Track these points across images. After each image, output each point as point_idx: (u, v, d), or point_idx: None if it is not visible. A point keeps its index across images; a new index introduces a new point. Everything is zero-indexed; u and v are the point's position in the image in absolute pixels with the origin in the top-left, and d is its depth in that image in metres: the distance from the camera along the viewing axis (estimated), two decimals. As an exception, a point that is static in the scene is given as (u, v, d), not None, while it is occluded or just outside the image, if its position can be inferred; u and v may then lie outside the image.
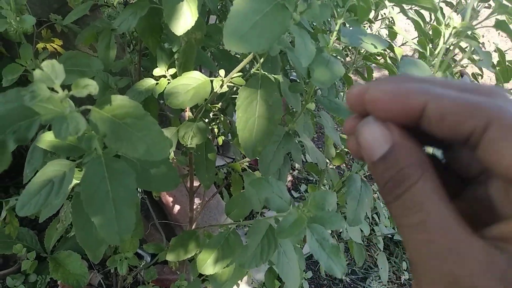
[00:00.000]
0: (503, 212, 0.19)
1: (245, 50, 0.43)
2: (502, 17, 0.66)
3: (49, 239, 1.13)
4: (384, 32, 1.30)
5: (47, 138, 0.57)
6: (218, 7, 0.82)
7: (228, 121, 0.81)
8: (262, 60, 0.57)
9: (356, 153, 0.22)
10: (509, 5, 0.59)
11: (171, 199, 1.22)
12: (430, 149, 0.23)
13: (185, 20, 0.51)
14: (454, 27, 0.55)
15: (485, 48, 0.83)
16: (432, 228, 0.18)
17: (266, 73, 0.55)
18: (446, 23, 0.56)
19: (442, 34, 0.61)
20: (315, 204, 0.48)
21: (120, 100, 0.45)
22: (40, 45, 0.99)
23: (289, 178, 1.86)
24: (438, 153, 0.24)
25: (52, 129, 0.41)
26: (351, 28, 0.64)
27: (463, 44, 0.69)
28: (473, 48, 0.59)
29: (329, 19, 0.80)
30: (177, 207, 1.21)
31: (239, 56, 0.87)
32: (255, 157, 0.51)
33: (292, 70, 1.27)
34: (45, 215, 0.66)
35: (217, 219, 1.24)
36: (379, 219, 1.62)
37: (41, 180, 0.52)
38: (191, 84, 0.58)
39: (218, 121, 0.87)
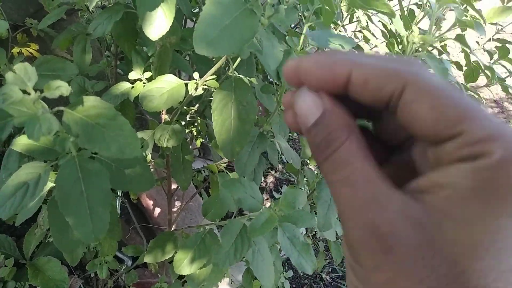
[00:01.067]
0: (421, 170, 0.21)
1: (214, 54, 0.45)
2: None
3: (28, 245, 1.12)
4: (360, 35, 1.33)
5: (22, 142, 0.57)
6: (195, 11, 0.83)
7: (205, 124, 0.82)
8: (236, 63, 0.59)
9: (293, 125, 0.24)
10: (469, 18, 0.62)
11: (151, 202, 1.22)
12: (361, 121, 0.25)
13: (159, 25, 0.52)
14: (413, 42, 0.57)
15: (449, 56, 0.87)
16: (356, 182, 0.19)
17: (239, 75, 0.56)
18: (409, 33, 0.59)
19: (409, 43, 0.63)
20: (287, 203, 0.50)
21: (92, 101, 0.46)
22: (16, 50, 0.98)
23: (271, 179, 1.88)
24: (368, 124, 0.26)
25: (25, 130, 0.41)
26: (317, 30, 0.66)
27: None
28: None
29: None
30: (157, 210, 1.21)
31: (215, 59, 0.89)
32: (233, 158, 0.53)
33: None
34: (21, 219, 0.66)
35: (198, 221, 1.25)
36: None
37: (16, 183, 0.52)
38: (165, 87, 0.59)
39: (195, 124, 0.89)
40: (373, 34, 0.87)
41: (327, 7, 0.54)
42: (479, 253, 0.17)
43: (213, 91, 0.64)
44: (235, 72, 0.57)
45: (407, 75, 0.19)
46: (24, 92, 0.43)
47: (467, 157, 0.17)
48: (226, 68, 0.85)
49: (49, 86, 0.43)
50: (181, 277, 0.87)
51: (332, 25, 0.87)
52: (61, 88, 0.43)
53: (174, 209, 1.20)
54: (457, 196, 0.17)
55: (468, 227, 0.17)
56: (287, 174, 1.89)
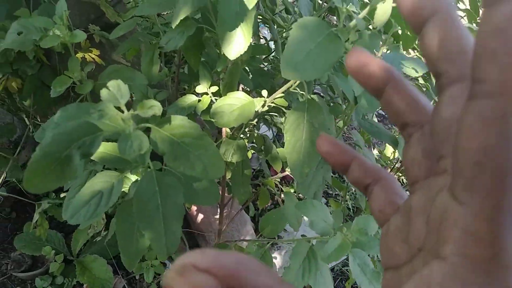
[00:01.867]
0: None
1: (300, 78, 0.45)
2: None
3: (76, 243, 1.16)
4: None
5: (97, 150, 0.59)
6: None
7: (263, 137, 0.83)
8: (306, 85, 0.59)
9: None
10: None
11: (195, 208, 1.23)
12: None
13: (238, 45, 0.52)
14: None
15: None
16: None
17: (312, 97, 0.56)
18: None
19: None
20: (359, 230, 0.49)
21: (179, 120, 0.47)
22: (79, 55, 1.02)
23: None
24: None
25: (117, 146, 0.43)
26: (391, 53, 0.65)
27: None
28: None
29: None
30: (200, 217, 1.22)
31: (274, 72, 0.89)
32: (302, 179, 0.53)
33: (316, 85, 1.28)
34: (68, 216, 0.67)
35: (239, 230, 1.25)
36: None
37: (91, 191, 0.54)
38: (236, 104, 0.60)
39: (248, 135, 0.89)
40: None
41: (408, 32, 0.53)
42: None
43: (271, 106, 0.65)
44: (307, 93, 0.57)
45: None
46: (117, 108, 0.45)
47: None
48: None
49: (143, 105, 0.44)
50: None
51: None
52: (154, 107, 0.44)
53: (216, 216, 1.21)
54: None
55: None
56: (326, 186, 1.87)
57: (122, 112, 0.44)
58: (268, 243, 0.65)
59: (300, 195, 1.37)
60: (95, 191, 0.54)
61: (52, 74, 1.07)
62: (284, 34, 0.79)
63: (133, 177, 0.61)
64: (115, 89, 0.44)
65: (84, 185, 0.56)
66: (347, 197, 1.08)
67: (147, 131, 0.47)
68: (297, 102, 0.56)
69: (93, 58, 1.06)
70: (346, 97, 0.60)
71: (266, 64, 0.91)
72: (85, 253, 1.15)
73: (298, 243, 0.53)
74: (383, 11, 0.47)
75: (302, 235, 0.69)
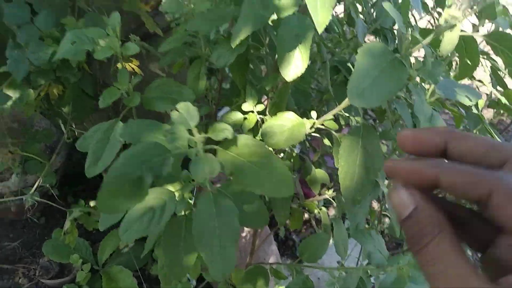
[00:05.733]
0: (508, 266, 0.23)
1: (365, 105, 0.44)
2: None
3: (102, 252, 1.16)
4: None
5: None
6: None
7: (301, 157, 0.82)
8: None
9: None
10: None
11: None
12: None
13: (296, 66, 0.52)
14: None
15: None
16: (449, 278, 0.21)
17: (366, 122, 0.55)
18: None
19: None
20: (413, 263, 0.47)
21: (244, 139, 0.47)
22: (119, 65, 1.04)
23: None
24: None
25: (190, 169, 0.42)
26: (444, 80, 0.64)
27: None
28: None
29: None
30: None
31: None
32: (354, 206, 0.51)
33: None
34: (105, 226, 0.66)
35: (265, 249, 1.23)
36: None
37: (143, 207, 0.53)
38: (286, 125, 0.59)
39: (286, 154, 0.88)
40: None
41: (467, 61, 0.52)
42: None
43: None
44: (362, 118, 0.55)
45: (492, 182, 0.22)
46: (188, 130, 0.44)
47: None
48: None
49: (214, 128, 0.44)
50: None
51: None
52: (226, 131, 0.44)
53: (243, 234, 1.20)
54: None
55: None
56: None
57: (192, 134, 0.44)
58: (308, 271, 0.63)
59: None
60: (148, 208, 0.53)
61: (92, 83, 1.08)
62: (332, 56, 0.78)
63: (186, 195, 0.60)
64: (185, 111, 0.44)
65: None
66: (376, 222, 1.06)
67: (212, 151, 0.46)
68: (353, 128, 0.54)
69: (132, 68, 1.08)
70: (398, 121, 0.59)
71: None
72: (111, 264, 1.14)
73: (349, 273, 0.51)
74: (450, 39, 0.45)
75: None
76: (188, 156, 0.43)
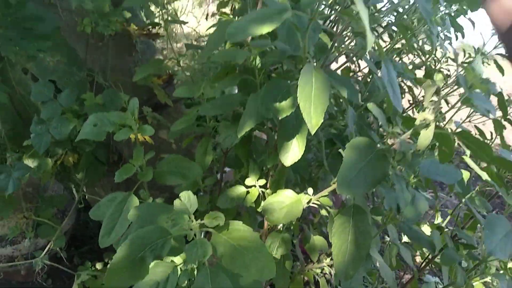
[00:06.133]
0: None
1: (352, 194, 0.51)
2: None
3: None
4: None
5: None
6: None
7: (300, 225, 0.87)
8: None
9: None
10: None
11: None
12: None
13: (294, 153, 0.59)
14: None
15: None
16: None
17: (357, 203, 0.61)
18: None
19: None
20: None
21: (235, 225, 0.53)
22: (133, 136, 1.12)
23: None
24: None
25: (185, 252, 0.48)
26: (427, 161, 0.71)
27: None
28: None
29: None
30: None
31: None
32: (347, 280, 0.56)
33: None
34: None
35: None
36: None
37: (149, 280, 0.58)
38: (285, 202, 0.66)
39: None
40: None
41: (444, 149, 0.59)
42: None
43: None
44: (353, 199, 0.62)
45: None
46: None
47: None
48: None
49: (209, 216, 0.51)
50: None
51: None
52: (219, 218, 0.51)
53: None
54: None
55: None
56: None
57: (191, 220, 0.51)
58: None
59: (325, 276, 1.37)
60: (153, 281, 0.58)
61: (105, 151, 1.16)
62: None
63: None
64: (186, 200, 0.51)
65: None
66: None
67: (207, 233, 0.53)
68: (345, 208, 0.61)
69: (144, 138, 1.16)
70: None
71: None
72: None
73: None
74: (426, 136, 0.53)
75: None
76: (187, 238, 0.49)
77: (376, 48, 0.60)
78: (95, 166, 1.11)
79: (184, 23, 1.00)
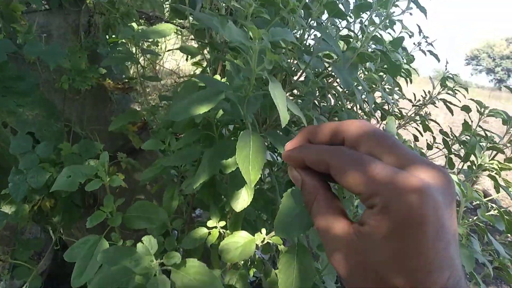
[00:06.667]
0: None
1: (289, 236, 0.60)
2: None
3: None
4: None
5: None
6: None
7: (261, 261, 0.95)
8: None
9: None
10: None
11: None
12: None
13: (243, 200, 0.68)
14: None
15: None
16: (323, 226, 0.33)
17: (301, 242, 0.70)
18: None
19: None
20: None
21: (191, 262, 0.62)
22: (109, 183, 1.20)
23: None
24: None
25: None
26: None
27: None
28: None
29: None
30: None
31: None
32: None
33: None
34: None
35: None
36: None
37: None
38: (239, 242, 0.74)
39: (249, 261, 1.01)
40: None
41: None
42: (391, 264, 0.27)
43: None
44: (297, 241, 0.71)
45: (327, 156, 0.33)
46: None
47: (370, 206, 0.29)
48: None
49: (168, 256, 0.59)
50: None
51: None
52: (175, 257, 0.59)
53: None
54: (370, 229, 0.29)
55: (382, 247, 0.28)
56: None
57: (152, 261, 0.59)
58: None
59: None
60: None
61: (80, 195, 1.23)
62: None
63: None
64: (147, 243, 0.59)
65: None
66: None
67: (167, 270, 0.61)
68: (289, 248, 0.69)
69: (118, 182, 1.24)
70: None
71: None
72: None
73: None
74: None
75: None
76: (149, 275, 0.57)
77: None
78: (71, 209, 1.18)
79: (158, 80, 1.10)
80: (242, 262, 0.87)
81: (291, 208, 0.63)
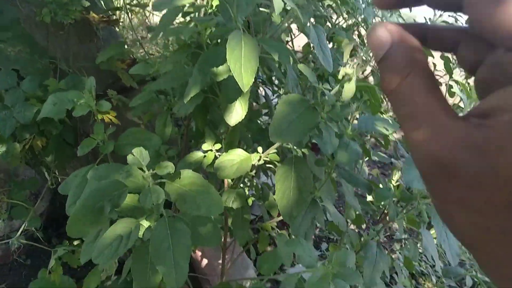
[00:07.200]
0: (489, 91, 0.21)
1: (284, 142, 0.58)
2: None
3: (87, 287, 1.23)
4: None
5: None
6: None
7: (259, 186, 0.95)
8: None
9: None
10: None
11: (199, 253, 1.32)
12: None
13: (237, 114, 0.66)
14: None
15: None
16: (418, 116, 0.20)
17: (303, 151, 0.69)
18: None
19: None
20: (338, 262, 0.60)
21: (186, 173, 0.60)
22: (99, 116, 1.17)
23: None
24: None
25: (139, 198, 0.55)
26: (365, 115, 0.79)
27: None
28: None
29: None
30: (205, 261, 1.31)
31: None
32: (292, 221, 0.64)
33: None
34: (86, 259, 0.76)
35: (242, 273, 1.33)
36: (397, 277, 1.68)
37: (113, 235, 0.64)
38: (235, 159, 0.73)
39: (249, 184, 1.01)
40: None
41: (373, 101, 0.67)
42: None
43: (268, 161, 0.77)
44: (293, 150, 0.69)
45: None
46: (140, 169, 0.57)
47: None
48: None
49: (160, 166, 0.57)
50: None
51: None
52: (168, 167, 0.57)
53: (220, 261, 1.30)
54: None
55: None
56: (328, 231, 1.96)
57: (144, 171, 0.57)
58: (263, 280, 0.75)
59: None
60: (116, 235, 0.64)
61: (72, 133, 1.20)
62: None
63: (146, 223, 0.72)
64: (138, 155, 0.57)
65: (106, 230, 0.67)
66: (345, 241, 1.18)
67: (162, 184, 0.59)
68: (287, 158, 0.68)
69: (110, 119, 1.21)
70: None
71: (264, 121, 1.05)
72: (96, 298, 1.22)
73: (288, 277, 0.63)
74: (349, 89, 0.60)
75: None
76: (141, 188, 0.55)
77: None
78: (64, 148, 1.15)
79: (147, 6, 1.04)
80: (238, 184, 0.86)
81: (287, 114, 0.61)
